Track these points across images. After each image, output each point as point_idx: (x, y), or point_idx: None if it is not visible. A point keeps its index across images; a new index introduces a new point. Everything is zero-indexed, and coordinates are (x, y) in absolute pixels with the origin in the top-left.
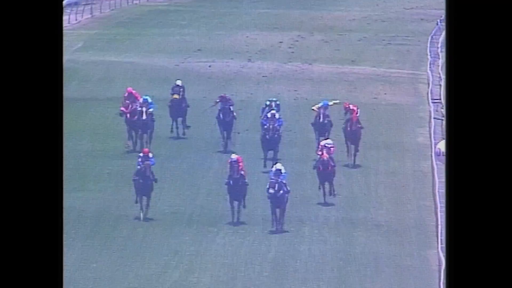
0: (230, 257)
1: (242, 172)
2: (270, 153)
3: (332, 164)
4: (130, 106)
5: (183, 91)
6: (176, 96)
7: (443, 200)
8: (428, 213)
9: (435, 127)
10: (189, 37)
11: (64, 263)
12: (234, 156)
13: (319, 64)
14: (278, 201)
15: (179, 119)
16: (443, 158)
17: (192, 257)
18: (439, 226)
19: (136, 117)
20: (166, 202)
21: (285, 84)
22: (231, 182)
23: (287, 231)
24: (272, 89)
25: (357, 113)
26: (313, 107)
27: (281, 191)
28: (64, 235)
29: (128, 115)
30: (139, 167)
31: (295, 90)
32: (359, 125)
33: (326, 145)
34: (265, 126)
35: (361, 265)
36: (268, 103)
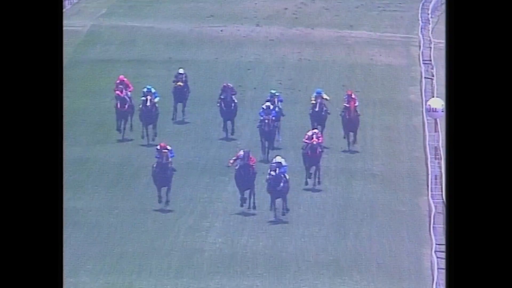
0: (233, 213)
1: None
2: (267, 143)
3: (320, 150)
4: (123, 91)
5: (186, 78)
6: (180, 83)
7: (433, 152)
8: (419, 164)
9: (425, 86)
10: (203, 4)
11: (89, 210)
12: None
13: (320, 28)
14: (279, 194)
15: (180, 105)
16: (433, 114)
17: (205, 203)
18: (429, 176)
19: (126, 106)
20: (182, 154)
21: (290, 46)
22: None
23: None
24: (278, 51)
25: (355, 102)
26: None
27: (281, 184)
28: (89, 184)
29: (118, 105)
30: (158, 159)
31: (298, 52)
32: (357, 113)
33: (314, 133)
34: (262, 118)
35: (358, 211)
36: (270, 94)
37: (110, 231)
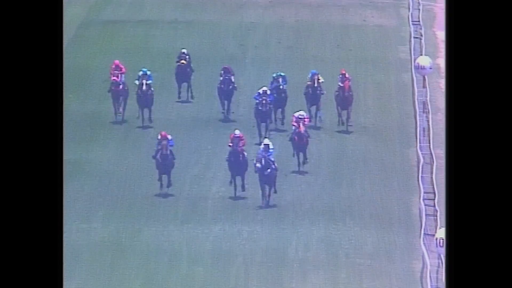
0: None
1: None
2: (263, 125)
3: (307, 135)
4: (119, 75)
5: (189, 57)
6: (183, 61)
7: (421, 106)
8: (408, 118)
9: (414, 45)
10: None
11: (101, 160)
12: (237, 132)
13: None
14: (266, 179)
15: (185, 84)
16: (421, 71)
17: (209, 155)
18: (418, 128)
19: (120, 87)
20: (187, 110)
21: (288, 8)
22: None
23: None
24: (277, 13)
25: (349, 81)
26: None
27: (269, 169)
28: (101, 136)
29: (114, 87)
30: (159, 148)
31: (295, 14)
32: (351, 93)
33: (300, 116)
34: (257, 101)
35: (351, 161)
36: (275, 75)
37: (121, 180)
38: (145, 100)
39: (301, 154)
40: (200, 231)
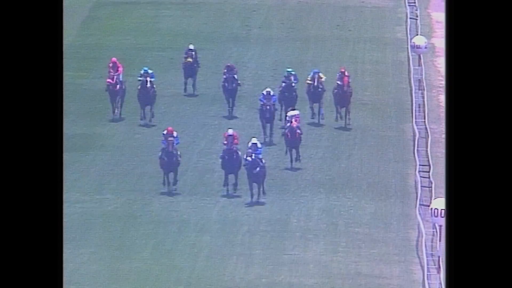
0: (247, 129)
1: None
2: (268, 126)
3: (299, 132)
4: (114, 77)
5: (195, 54)
6: (189, 59)
7: (417, 83)
8: (405, 94)
9: (410, 25)
10: None
11: (113, 135)
12: (231, 131)
13: None
14: (255, 177)
15: (190, 80)
16: (417, 50)
17: (215, 130)
18: (413, 105)
19: (118, 86)
20: (194, 85)
21: None
22: (226, 157)
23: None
24: None
25: (348, 79)
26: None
27: (258, 168)
28: (110, 110)
29: (111, 87)
30: (163, 146)
31: None
32: (350, 89)
33: (293, 114)
34: (262, 103)
35: (350, 135)
36: (286, 73)
37: (132, 154)
38: (147, 97)
39: (293, 151)
40: (207, 202)
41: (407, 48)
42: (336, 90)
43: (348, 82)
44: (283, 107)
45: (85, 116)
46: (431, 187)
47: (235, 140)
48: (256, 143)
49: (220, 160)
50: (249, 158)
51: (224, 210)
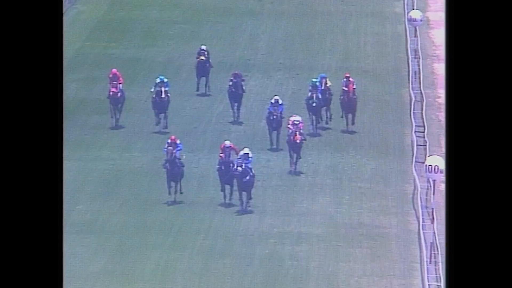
0: (254, 97)
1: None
2: (274, 133)
3: (302, 138)
4: (116, 87)
5: (208, 53)
6: (202, 57)
7: (413, 53)
8: (402, 62)
9: (407, 0)
10: None
11: (140, 99)
12: (228, 143)
13: None
14: (244, 186)
15: (203, 79)
16: (413, 23)
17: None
18: (410, 72)
19: (118, 94)
20: (213, 54)
21: None
22: (222, 167)
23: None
24: None
25: (353, 85)
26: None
27: (247, 177)
28: (140, 78)
29: (112, 94)
30: (166, 153)
31: None
32: (355, 96)
33: (295, 121)
34: (270, 111)
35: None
36: (315, 80)
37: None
38: (162, 106)
39: (294, 155)
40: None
41: (404, 21)
42: (342, 97)
43: (354, 90)
44: (310, 115)
45: None
46: (425, 145)
47: (233, 151)
48: (248, 153)
49: (217, 172)
50: (239, 169)
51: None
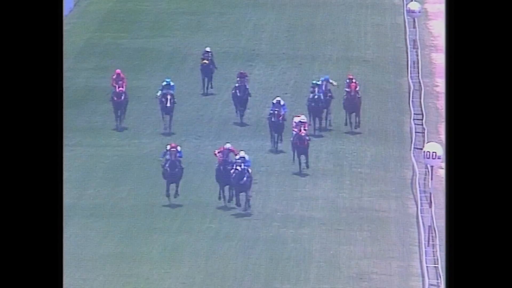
0: (258, 86)
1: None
2: (276, 135)
3: (307, 138)
4: (121, 85)
5: (212, 56)
6: (205, 61)
7: (412, 43)
8: (401, 52)
9: None
10: None
11: (148, 87)
12: (228, 145)
13: None
14: (241, 187)
15: (206, 79)
16: (412, 14)
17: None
18: (409, 61)
19: (122, 98)
20: (218, 44)
21: None
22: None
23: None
24: None
25: (357, 85)
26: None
27: (244, 178)
28: (148, 68)
29: (115, 98)
30: (167, 158)
31: None
32: (358, 96)
33: (301, 121)
34: (271, 111)
35: None
36: (319, 82)
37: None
38: (168, 108)
39: (302, 157)
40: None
41: (403, 12)
42: (345, 97)
43: (356, 88)
44: (311, 117)
45: (126, 71)
46: (424, 132)
47: (232, 153)
48: (244, 156)
49: (215, 172)
50: (238, 168)
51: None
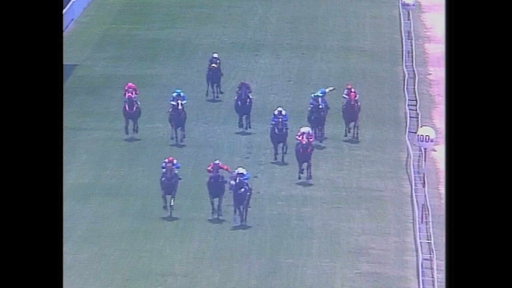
0: (263, 74)
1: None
2: (280, 145)
3: (311, 148)
4: (132, 93)
5: (219, 62)
6: (214, 65)
7: (407, 34)
8: (397, 43)
9: None
10: None
11: (161, 76)
12: (218, 162)
13: None
14: (240, 198)
15: (215, 85)
16: (407, 7)
17: (245, 72)
18: (404, 51)
19: (134, 108)
20: (228, 35)
21: None
22: (212, 180)
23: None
24: None
25: (356, 95)
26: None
27: (242, 189)
28: (161, 58)
29: (126, 107)
30: (164, 170)
31: None
32: (358, 104)
33: (304, 132)
34: (274, 122)
35: (353, 76)
36: (313, 96)
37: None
38: (179, 119)
39: (304, 164)
40: (237, 130)
41: (399, 5)
42: (344, 106)
43: (355, 97)
44: (313, 129)
45: (140, 60)
46: (417, 117)
47: (222, 169)
48: (242, 173)
49: (207, 185)
50: (232, 182)
51: (252, 136)
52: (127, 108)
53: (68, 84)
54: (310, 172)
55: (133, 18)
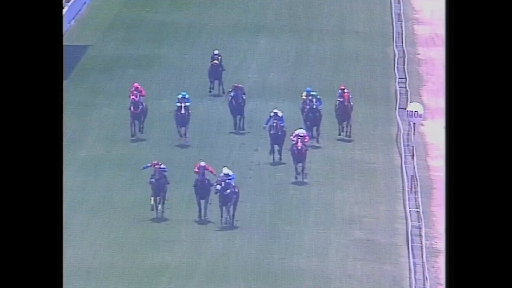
0: (264, 55)
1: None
2: (276, 147)
3: (305, 148)
4: (137, 96)
5: (220, 58)
6: (215, 61)
7: (397, 16)
8: (388, 25)
9: None
10: None
11: (168, 57)
12: (202, 163)
13: None
14: (225, 199)
15: (216, 81)
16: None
17: (246, 56)
18: (394, 32)
19: (139, 109)
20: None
21: None
22: (198, 183)
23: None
24: None
25: (349, 95)
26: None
27: (228, 190)
28: (166, 40)
29: (132, 108)
30: (153, 173)
31: None
32: (351, 104)
33: (300, 134)
34: (272, 123)
35: (347, 58)
36: (305, 93)
37: (183, 71)
38: (183, 120)
39: (299, 165)
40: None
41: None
42: (337, 107)
43: (349, 98)
44: (309, 126)
45: (149, 41)
46: (407, 94)
47: (207, 170)
48: (227, 173)
49: (193, 188)
50: (218, 186)
51: (253, 112)
52: (132, 108)
53: (82, 64)
54: (305, 173)
55: (142, 2)
